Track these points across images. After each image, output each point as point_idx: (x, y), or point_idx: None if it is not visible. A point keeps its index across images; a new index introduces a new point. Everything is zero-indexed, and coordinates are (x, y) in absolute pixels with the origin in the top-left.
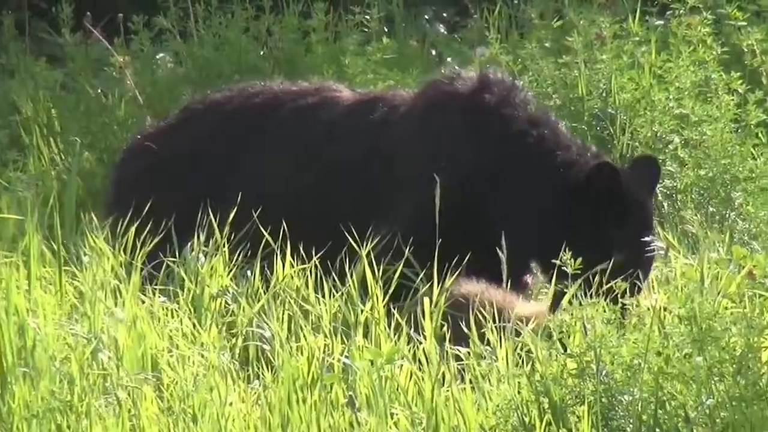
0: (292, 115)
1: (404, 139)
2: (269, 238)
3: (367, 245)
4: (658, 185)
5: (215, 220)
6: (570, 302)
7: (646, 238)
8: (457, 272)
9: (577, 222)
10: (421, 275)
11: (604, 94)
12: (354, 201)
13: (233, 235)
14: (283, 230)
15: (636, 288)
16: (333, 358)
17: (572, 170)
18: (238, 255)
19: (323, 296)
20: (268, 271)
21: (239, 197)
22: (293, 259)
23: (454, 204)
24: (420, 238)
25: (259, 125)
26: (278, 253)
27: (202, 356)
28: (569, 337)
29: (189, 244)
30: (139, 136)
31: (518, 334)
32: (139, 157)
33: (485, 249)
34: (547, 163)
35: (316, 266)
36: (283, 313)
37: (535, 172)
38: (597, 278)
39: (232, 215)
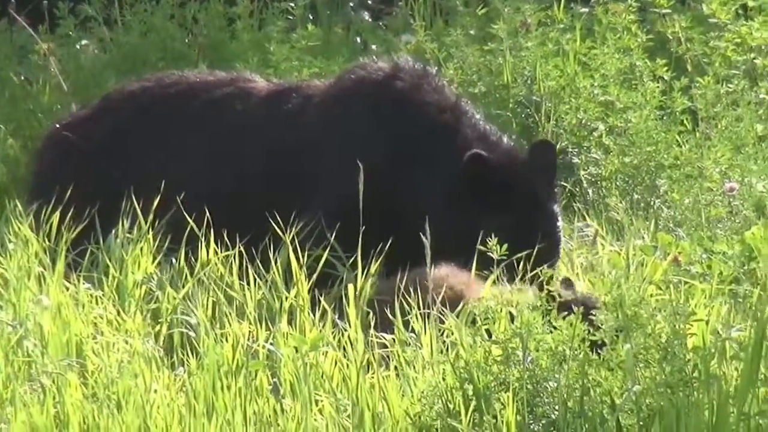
0: (207, 106)
1: (318, 127)
2: (194, 225)
3: (290, 232)
4: (584, 172)
5: (138, 208)
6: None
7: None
8: (379, 259)
9: (459, 208)
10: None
11: (529, 82)
12: (272, 190)
13: (157, 223)
14: (207, 218)
15: (513, 271)
16: (258, 345)
17: (458, 157)
18: (162, 242)
19: (248, 283)
20: (192, 258)
21: (161, 186)
22: (217, 247)
23: (366, 190)
24: (341, 225)
25: (175, 116)
26: (202, 240)
27: (127, 343)
28: (494, 324)
29: (113, 231)
30: (57, 125)
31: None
32: (59, 146)
33: (402, 235)
34: (452, 149)
35: (240, 253)
36: (207, 300)
37: (441, 157)
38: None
39: (155, 203)
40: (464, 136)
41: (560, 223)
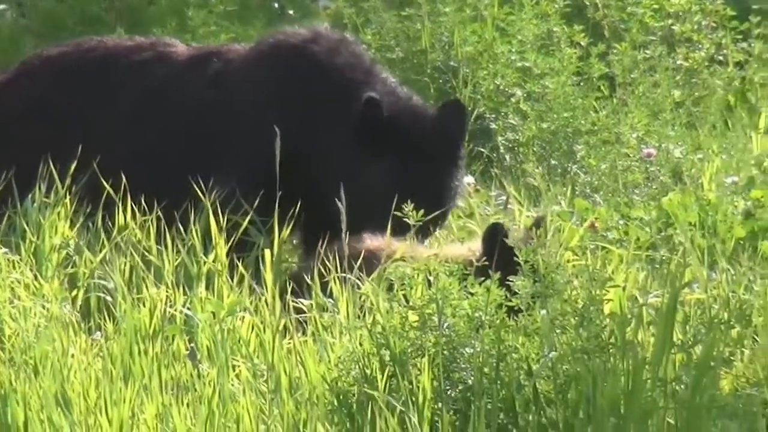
0: (127, 71)
1: (236, 90)
2: (110, 190)
3: (210, 197)
4: (501, 138)
5: (56, 173)
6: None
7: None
8: (292, 223)
9: (358, 157)
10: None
11: (446, 47)
12: (191, 154)
13: (74, 188)
14: (125, 182)
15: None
16: (175, 310)
17: None
18: (80, 206)
19: (165, 248)
20: (110, 223)
21: (79, 151)
22: (136, 211)
23: (283, 153)
24: (255, 189)
25: (95, 80)
26: (119, 204)
27: (44, 308)
28: (411, 290)
29: (29, 195)
30: None
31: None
32: None
33: (318, 199)
34: (352, 105)
35: (158, 218)
36: (125, 265)
37: (344, 115)
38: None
39: (72, 168)
40: (373, 90)
41: (455, 182)
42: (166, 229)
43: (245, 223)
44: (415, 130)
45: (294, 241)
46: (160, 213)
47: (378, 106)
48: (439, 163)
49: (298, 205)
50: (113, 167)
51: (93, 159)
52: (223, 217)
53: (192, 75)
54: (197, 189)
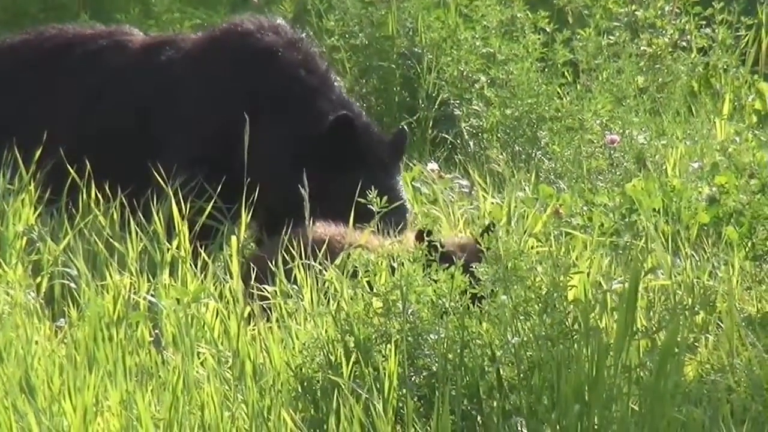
0: (84, 58)
1: (183, 77)
2: (75, 176)
3: (172, 184)
4: (465, 124)
5: (20, 159)
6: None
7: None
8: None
9: (310, 168)
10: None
11: (411, 33)
12: (144, 142)
13: (39, 174)
14: (88, 169)
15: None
16: (139, 297)
17: (318, 120)
18: (43, 192)
19: (129, 234)
20: (73, 210)
21: (42, 138)
22: (99, 197)
23: (222, 143)
24: (191, 175)
25: (54, 68)
26: (83, 190)
27: (8, 294)
28: (375, 276)
29: None
30: None
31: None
32: None
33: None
34: (311, 111)
35: (122, 205)
36: (89, 252)
37: (297, 119)
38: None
39: (36, 155)
40: (328, 100)
41: (403, 194)
42: (130, 216)
43: (207, 210)
44: (370, 146)
45: (254, 226)
46: (123, 199)
47: (352, 127)
48: (389, 174)
49: (231, 194)
50: (73, 154)
51: (53, 146)
52: (185, 203)
53: (144, 63)
54: (157, 175)
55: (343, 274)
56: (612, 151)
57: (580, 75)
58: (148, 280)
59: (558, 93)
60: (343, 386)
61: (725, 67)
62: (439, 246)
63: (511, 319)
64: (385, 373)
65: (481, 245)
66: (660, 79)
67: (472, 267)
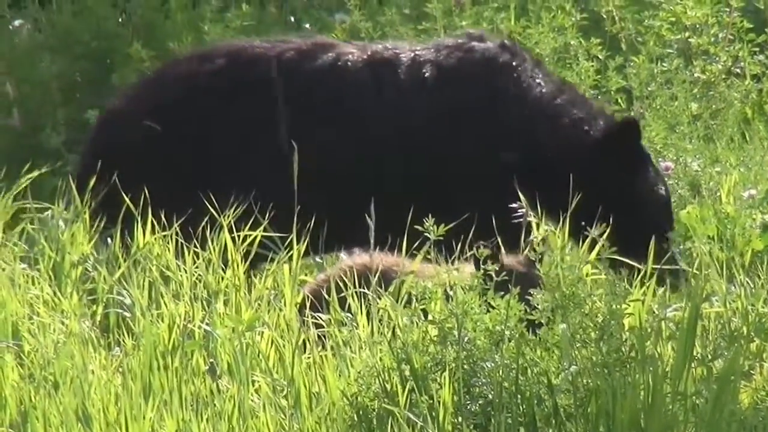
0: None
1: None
2: (131, 204)
3: (228, 213)
4: None
5: (74, 188)
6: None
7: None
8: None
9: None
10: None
11: None
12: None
13: (93, 204)
14: (144, 197)
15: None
16: (194, 325)
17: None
18: (98, 222)
19: (184, 263)
20: (128, 239)
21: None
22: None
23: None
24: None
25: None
26: (139, 220)
27: (63, 324)
28: (431, 304)
29: (49, 211)
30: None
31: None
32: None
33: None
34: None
35: (177, 233)
36: (144, 281)
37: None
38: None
39: (92, 183)
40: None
41: None
42: (185, 245)
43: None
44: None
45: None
46: (177, 229)
47: (638, 131)
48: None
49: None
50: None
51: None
52: (240, 232)
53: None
54: (215, 204)
55: (397, 301)
56: (666, 179)
57: (633, 102)
58: (203, 309)
59: None
60: (398, 415)
61: None
62: (496, 271)
63: (568, 347)
64: (440, 402)
65: (539, 270)
66: (713, 106)
67: (529, 293)
